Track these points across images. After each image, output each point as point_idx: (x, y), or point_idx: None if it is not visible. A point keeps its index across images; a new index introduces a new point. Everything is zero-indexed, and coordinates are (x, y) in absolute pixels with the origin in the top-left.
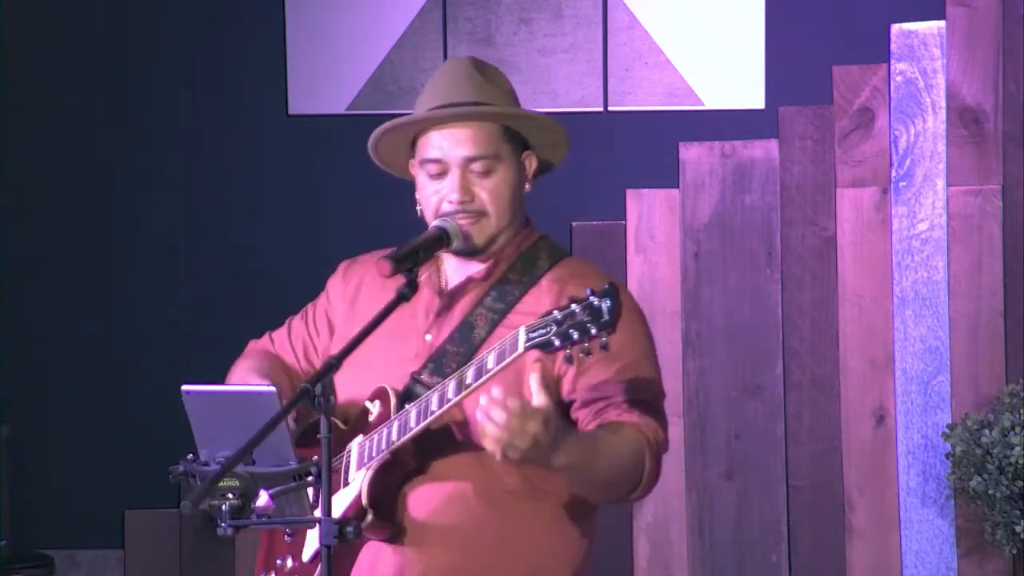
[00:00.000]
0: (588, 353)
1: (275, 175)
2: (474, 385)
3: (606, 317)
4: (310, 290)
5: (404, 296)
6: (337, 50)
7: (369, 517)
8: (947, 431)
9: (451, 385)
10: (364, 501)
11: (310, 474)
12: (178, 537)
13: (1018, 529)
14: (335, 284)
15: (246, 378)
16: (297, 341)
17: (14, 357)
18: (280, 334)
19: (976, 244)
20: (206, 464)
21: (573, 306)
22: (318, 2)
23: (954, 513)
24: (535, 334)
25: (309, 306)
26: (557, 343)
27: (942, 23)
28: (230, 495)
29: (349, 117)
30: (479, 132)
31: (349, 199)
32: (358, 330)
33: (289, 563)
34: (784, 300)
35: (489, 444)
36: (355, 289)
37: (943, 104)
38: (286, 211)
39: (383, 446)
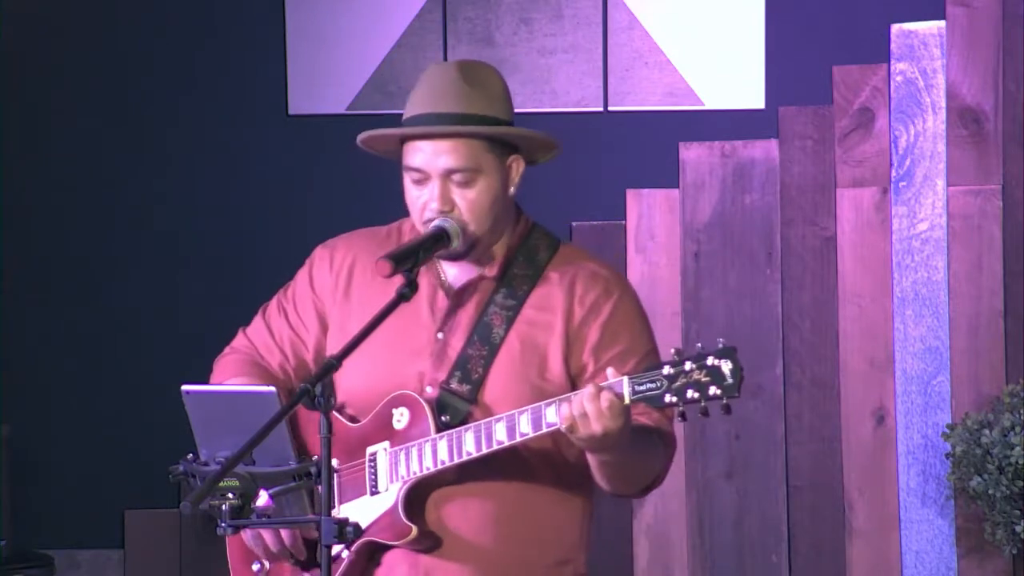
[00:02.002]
0: (706, 414)
1: (275, 175)
2: (555, 425)
3: (729, 380)
4: None
5: (404, 296)
6: (337, 50)
7: (413, 532)
8: (947, 431)
9: (523, 418)
10: (404, 517)
11: (310, 474)
12: (178, 537)
13: (1018, 529)
14: (320, 274)
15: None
16: (283, 340)
17: (14, 357)
18: (259, 334)
19: (976, 244)
20: (206, 464)
21: (687, 364)
22: (318, 2)
23: (954, 513)
24: (643, 388)
25: (282, 300)
26: (672, 400)
27: (942, 23)
28: (230, 495)
29: (349, 117)
30: (460, 146)
31: (349, 199)
32: (358, 322)
33: (268, 564)
34: (784, 300)
35: (562, 421)
36: (346, 278)
37: (943, 104)
38: (286, 211)
39: (428, 463)
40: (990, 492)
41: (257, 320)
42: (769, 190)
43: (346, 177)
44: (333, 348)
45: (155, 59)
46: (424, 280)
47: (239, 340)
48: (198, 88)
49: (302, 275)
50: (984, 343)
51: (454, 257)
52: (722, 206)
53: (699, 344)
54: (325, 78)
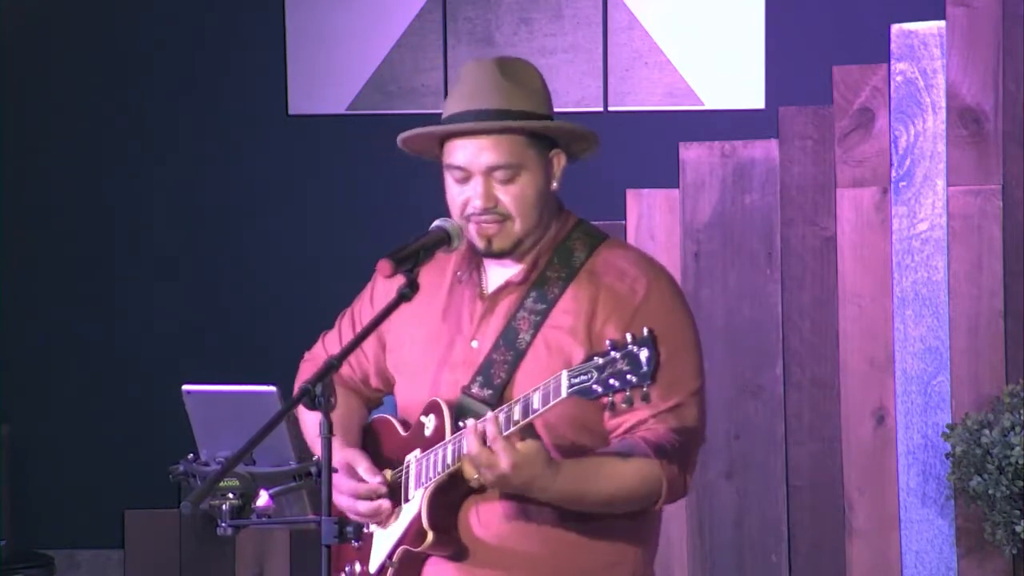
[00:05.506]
0: (630, 403)
1: (275, 175)
2: (521, 423)
3: (644, 368)
4: (309, 289)
5: (405, 296)
6: (337, 50)
7: (430, 537)
8: (947, 431)
9: (500, 417)
10: (424, 522)
11: (310, 474)
12: (178, 537)
13: (1018, 529)
14: (379, 290)
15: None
16: (354, 358)
17: (14, 357)
18: (333, 344)
19: (976, 244)
20: (206, 464)
21: (613, 353)
22: (318, 2)
23: (954, 513)
24: (577, 380)
25: (352, 313)
26: (599, 390)
27: (942, 23)
28: (230, 495)
29: (349, 117)
30: (502, 142)
31: (349, 199)
32: (409, 332)
33: (358, 568)
34: (784, 300)
35: (465, 467)
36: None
37: (943, 104)
38: (286, 211)
39: (439, 467)
40: (990, 492)
41: (334, 328)
42: (769, 190)
43: (346, 177)
44: (392, 362)
45: (155, 59)
46: (466, 289)
47: (317, 347)
48: (198, 88)
49: (365, 291)
50: (984, 343)
51: (499, 256)
52: (722, 206)
53: (628, 334)
54: (325, 78)
